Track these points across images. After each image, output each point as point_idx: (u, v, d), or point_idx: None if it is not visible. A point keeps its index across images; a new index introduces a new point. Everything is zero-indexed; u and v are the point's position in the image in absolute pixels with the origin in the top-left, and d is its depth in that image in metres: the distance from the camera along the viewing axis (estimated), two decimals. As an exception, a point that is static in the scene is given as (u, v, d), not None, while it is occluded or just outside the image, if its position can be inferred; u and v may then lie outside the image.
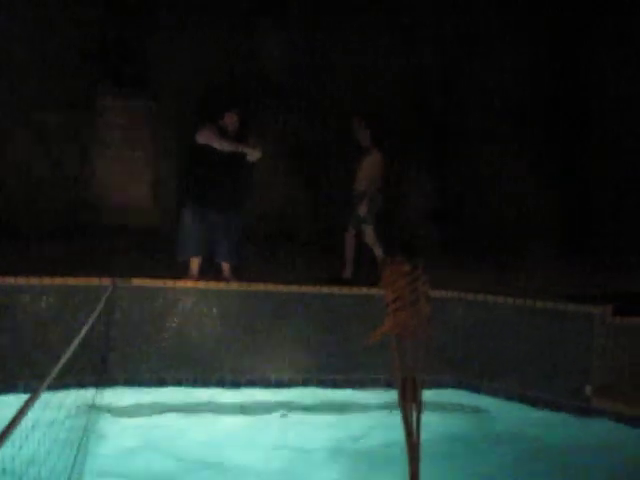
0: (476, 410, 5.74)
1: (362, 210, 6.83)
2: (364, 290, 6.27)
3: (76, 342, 3.91)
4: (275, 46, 7.75)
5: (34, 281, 5.53)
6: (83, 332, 4.22)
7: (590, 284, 6.81)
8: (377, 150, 6.89)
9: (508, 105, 8.09)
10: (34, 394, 2.86)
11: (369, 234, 6.92)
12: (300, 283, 6.28)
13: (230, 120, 6.30)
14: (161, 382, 5.82)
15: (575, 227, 8.21)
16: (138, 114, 7.39)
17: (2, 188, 6.74)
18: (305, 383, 6.10)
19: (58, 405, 3.86)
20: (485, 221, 8.16)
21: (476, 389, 6.08)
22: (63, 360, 3.53)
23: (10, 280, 5.47)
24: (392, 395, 5.36)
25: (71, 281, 5.64)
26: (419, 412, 3.01)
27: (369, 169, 6.88)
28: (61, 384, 4.90)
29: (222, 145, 6.13)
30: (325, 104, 7.72)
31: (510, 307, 6.05)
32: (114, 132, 7.36)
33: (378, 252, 6.86)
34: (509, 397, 5.94)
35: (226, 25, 7.25)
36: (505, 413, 5.66)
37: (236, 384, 5.95)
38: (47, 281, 5.57)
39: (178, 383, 5.85)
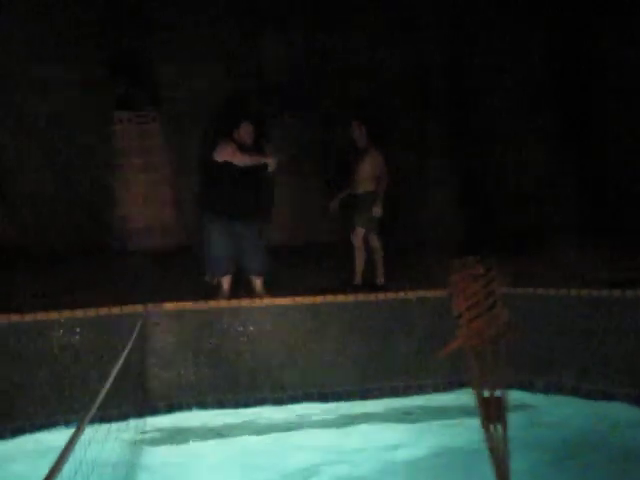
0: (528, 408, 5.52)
1: (377, 211, 6.61)
2: (401, 294, 6.12)
3: (114, 373, 3.81)
4: (280, 53, 7.65)
5: (66, 314, 5.44)
6: (120, 363, 4.12)
7: (621, 267, 6.55)
8: (375, 149, 6.72)
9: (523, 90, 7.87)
10: (77, 430, 2.74)
11: (375, 237, 6.71)
12: (333, 292, 6.15)
13: (246, 132, 6.20)
14: (202, 405, 5.70)
15: (595, 210, 7.94)
16: (153, 135, 7.30)
17: (19, 216, 6.68)
18: (349, 396, 5.94)
19: (101, 439, 3.74)
20: (504, 208, 7.91)
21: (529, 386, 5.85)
22: (103, 393, 3.42)
23: (42, 316, 5.39)
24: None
25: (104, 311, 5.54)
26: (506, 433, 2.73)
27: (371, 170, 6.68)
28: (102, 416, 4.87)
29: (243, 160, 6.04)
30: (333, 106, 7.58)
31: (553, 298, 5.84)
32: (131, 155, 7.28)
33: (379, 254, 6.69)
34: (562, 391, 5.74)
35: (233, 37, 7.18)
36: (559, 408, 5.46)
37: (279, 401, 5.81)
38: (80, 313, 5.48)
39: (220, 405, 5.72)
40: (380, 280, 6.66)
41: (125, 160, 7.30)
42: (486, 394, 2.77)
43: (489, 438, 2.72)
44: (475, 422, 2.91)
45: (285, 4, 7.68)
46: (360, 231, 6.66)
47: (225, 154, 6.04)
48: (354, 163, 6.75)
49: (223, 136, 6.20)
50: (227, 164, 6.04)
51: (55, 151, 6.68)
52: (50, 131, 6.71)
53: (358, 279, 6.69)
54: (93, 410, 3.13)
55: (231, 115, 6.44)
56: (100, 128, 7.02)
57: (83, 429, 2.78)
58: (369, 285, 6.55)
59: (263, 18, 7.63)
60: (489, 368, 2.78)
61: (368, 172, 6.69)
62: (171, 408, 5.64)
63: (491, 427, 2.73)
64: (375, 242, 6.70)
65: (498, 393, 2.75)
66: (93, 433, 3.38)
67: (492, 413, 2.73)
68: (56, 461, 2.27)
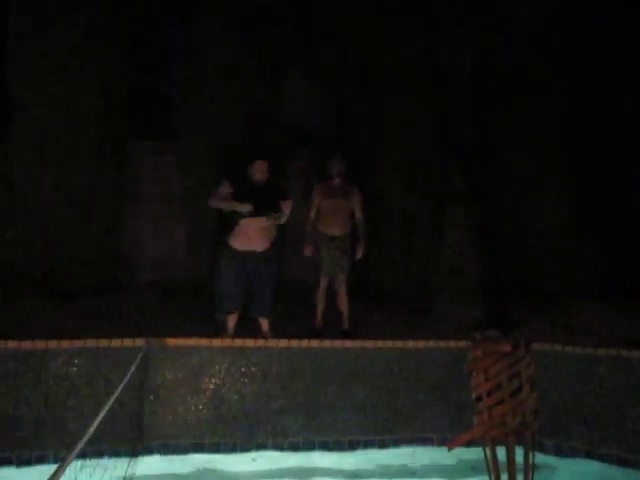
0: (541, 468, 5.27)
1: (360, 252, 6.34)
2: (410, 343, 5.95)
3: (106, 408, 3.65)
4: (304, 95, 7.63)
5: (65, 344, 5.29)
6: (114, 397, 3.96)
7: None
8: (354, 188, 6.45)
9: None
10: (61, 464, 2.59)
11: (343, 280, 6.39)
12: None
13: (259, 169, 6.12)
14: (199, 448, 5.49)
15: (614, 272, 7.73)
16: (169, 167, 7.24)
17: (29, 245, 6.60)
18: (352, 446, 5.72)
19: (90, 474, 3.56)
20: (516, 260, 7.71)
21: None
22: (93, 427, 3.26)
23: (41, 344, 5.24)
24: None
25: (103, 343, 5.39)
26: None
27: (348, 209, 6.39)
28: (94, 452, 4.68)
29: (213, 204, 6.04)
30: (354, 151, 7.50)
31: (569, 356, 5.63)
32: (145, 186, 7.21)
33: (346, 300, 6.39)
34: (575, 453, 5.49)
35: (255, 73, 7.16)
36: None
37: (279, 448, 5.60)
38: (79, 344, 5.33)
39: (216, 449, 5.51)
40: (345, 326, 6.36)
41: (138, 190, 7.23)
42: None
43: None
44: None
45: (308, 49, 7.69)
46: (325, 280, 6.37)
47: (212, 202, 6.05)
48: (329, 202, 6.39)
49: (229, 174, 6.14)
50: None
51: (69, 180, 6.61)
52: (64, 160, 6.65)
53: (319, 323, 6.40)
54: (81, 444, 2.97)
55: (247, 152, 6.34)
56: (115, 157, 6.96)
57: (67, 464, 2.62)
58: (344, 332, 6.27)
59: (285, 59, 7.61)
60: (512, 464, 2.48)
61: (346, 212, 6.41)
62: (165, 448, 5.43)
63: None
64: (344, 288, 6.40)
65: None
66: (81, 469, 3.21)
67: None
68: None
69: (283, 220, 6.16)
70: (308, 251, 6.40)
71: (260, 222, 5.96)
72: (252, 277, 6.01)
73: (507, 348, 2.45)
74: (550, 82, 7.64)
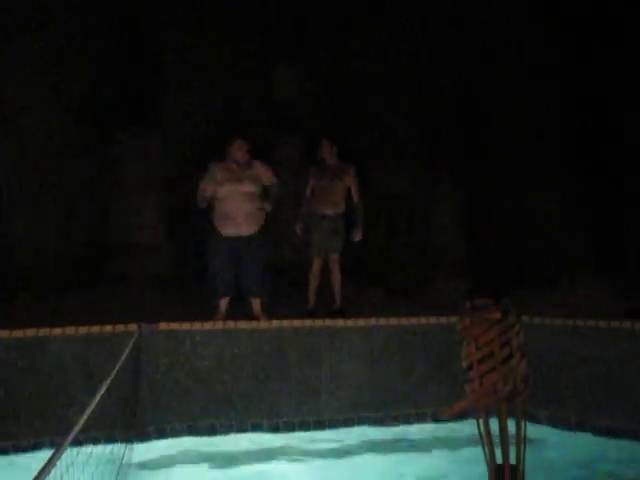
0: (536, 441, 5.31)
1: (358, 235, 6.40)
2: (402, 320, 5.97)
3: (100, 393, 3.64)
4: (292, 81, 7.57)
5: (57, 332, 5.28)
6: (107, 382, 3.95)
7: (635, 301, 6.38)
8: (349, 168, 6.47)
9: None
10: (57, 450, 2.58)
11: (336, 260, 6.41)
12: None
13: (238, 147, 6.09)
14: (194, 430, 5.50)
15: (610, 246, 7.76)
16: (153, 157, 7.18)
17: (17, 239, 6.58)
18: (347, 423, 5.75)
19: (85, 462, 3.55)
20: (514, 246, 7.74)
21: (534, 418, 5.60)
22: (87, 412, 3.25)
23: (32, 332, 5.22)
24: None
25: (95, 329, 5.37)
26: None
27: (343, 189, 6.42)
28: (89, 438, 4.67)
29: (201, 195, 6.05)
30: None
31: (566, 328, 5.67)
32: (129, 177, 7.16)
33: (339, 279, 6.42)
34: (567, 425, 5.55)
35: (241, 62, 7.09)
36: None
37: (274, 429, 5.62)
38: (70, 331, 5.31)
39: (212, 431, 5.53)
40: (337, 304, 6.40)
41: (125, 180, 7.18)
42: (499, 461, 2.46)
43: None
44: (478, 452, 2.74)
45: (297, 37, 7.61)
46: (319, 260, 6.39)
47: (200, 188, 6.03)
48: (322, 182, 6.44)
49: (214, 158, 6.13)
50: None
51: (52, 173, 6.56)
52: (47, 152, 6.59)
53: (312, 304, 6.43)
54: (76, 430, 2.96)
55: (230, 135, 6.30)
56: (99, 148, 6.90)
57: (63, 450, 2.62)
58: (335, 311, 6.29)
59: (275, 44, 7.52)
60: (505, 432, 2.46)
61: (340, 192, 6.45)
62: (161, 432, 5.44)
63: None
64: (337, 267, 6.41)
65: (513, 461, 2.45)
66: (77, 454, 3.20)
67: None
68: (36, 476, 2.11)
69: (274, 190, 6.17)
70: (299, 229, 6.42)
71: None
72: (242, 260, 6.00)
73: (497, 315, 2.43)
74: (546, 76, 7.63)
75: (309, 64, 7.69)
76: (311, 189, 6.51)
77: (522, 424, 2.49)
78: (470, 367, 2.48)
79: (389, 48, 7.57)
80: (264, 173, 6.17)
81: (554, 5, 7.54)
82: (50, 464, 2.38)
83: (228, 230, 6.02)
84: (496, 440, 2.56)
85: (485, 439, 2.53)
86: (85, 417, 3.18)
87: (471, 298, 2.63)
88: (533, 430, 5.30)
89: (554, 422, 5.65)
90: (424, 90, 7.70)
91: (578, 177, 7.55)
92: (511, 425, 2.51)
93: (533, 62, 7.58)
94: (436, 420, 5.83)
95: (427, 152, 7.74)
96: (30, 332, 5.21)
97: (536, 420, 5.54)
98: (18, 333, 5.17)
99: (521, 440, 2.49)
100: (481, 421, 2.52)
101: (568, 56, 7.57)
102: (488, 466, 2.51)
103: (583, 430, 5.49)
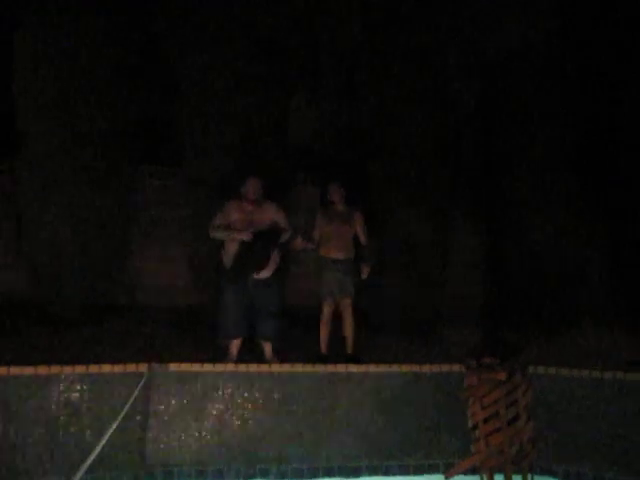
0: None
1: (366, 272, 6.31)
2: (415, 368, 5.90)
3: (108, 434, 3.63)
4: (310, 117, 7.64)
5: (67, 370, 5.27)
6: (116, 423, 3.94)
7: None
8: (357, 212, 6.49)
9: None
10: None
11: (349, 304, 6.32)
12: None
13: (251, 185, 6.11)
14: (202, 475, 5.43)
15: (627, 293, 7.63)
16: (174, 192, 7.25)
17: (32, 269, 6.64)
18: (357, 472, 5.65)
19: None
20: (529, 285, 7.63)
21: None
22: (94, 453, 3.24)
23: (43, 370, 5.22)
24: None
25: (106, 368, 5.36)
26: None
27: (351, 233, 6.41)
28: (96, 478, 4.64)
29: (214, 235, 6.08)
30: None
31: (581, 380, 5.55)
32: (150, 211, 7.22)
33: (352, 324, 6.31)
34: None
35: (259, 98, 7.16)
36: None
37: (282, 475, 5.53)
38: (81, 369, 5.30)
39: (220, 476, 5.46)
40: (351, 351, 6.27)
41: (144, 215, 7.23)
42: None
43: None
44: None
45: (315, 72, 7.70)
46: (331, 303, 6.33)
47: (212, 231, 6.07)
48: (332, 227, 6.40)
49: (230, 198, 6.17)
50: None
51: (73, 203, 6.63)
52: (70, 186, 6.68)
53: (324, 349, 6.31)
54: (82, 472, 2.95)
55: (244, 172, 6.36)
56: (121, 182, 6.97)
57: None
58: (349, 357, 6.18)
59: (292, 84, 7.61)
60: None
61: (349, 236, 6.43)
62: (169, 476, 5.38)
63: None
64: (349, 311, 6.32)
65: None
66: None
67: None
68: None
69: (285, 237, 6.18)
70: (301, 242, 6.38)
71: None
72: (254, 302, 5.98)
73: (502, 376, 2.38)
74: (559, 102, 7.65)
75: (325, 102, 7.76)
76: (319, 233, 6.49)
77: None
78: (475, 427, 2.42)
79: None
80: (275, 214, 6.18)
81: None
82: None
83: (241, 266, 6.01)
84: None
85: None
86: (93, 457, 3.17)
87: (477, 357, 2.57)
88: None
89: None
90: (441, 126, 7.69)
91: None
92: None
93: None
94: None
95: (445, 194, 7.69)
96: (42, 370, 5.20)
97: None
98: (29, 370, 5.16)
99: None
100: (485, 477, 2.44)
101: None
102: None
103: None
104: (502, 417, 2.34)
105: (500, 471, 2.37)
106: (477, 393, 2.38)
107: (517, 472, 2.42)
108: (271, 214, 6.16)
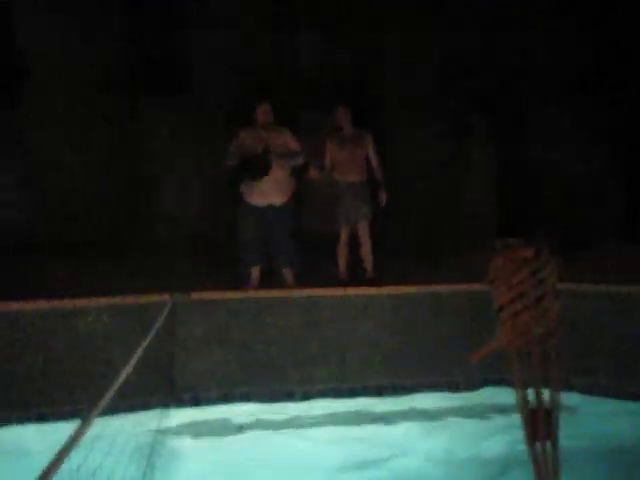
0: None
1: (384, 198, 6.31)
2: (434, 288, 5.94)
3: (133, 361, 3.69)
4: (316, 47, 7.45)
5: (92, 302, 5.37)
6: (140, 351, 4.00)
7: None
8: (367, 134, 6.42)
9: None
10: (87, 417, 2.62)
11: (365, 227, 6.36)
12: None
13: (262, 111, 6.13)
14: (229, 398, 5.58)
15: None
16: (184, 121, 7.16)
17: (48, 206, 6.66)
18: (380, 391, 5.78)
19: (120, 429, 3.63)
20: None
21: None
22: (119, 380, 3.30)
23: (68, 303, 5.32)
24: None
25: (129, 300, 5.45)
26: (556, 452, 2.37)
27: (363, 155, 6.37)
28: (125, 405, 4.78)
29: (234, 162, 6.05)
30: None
31: (598, 294, 5.59)
32: (162, 141, 7.16)
33: (369, 246, 6.35)
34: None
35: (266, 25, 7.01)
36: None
37: (307, 396, 5.67)
38: (104, 301, 5.40)
39: (246, 399, 5.60)
40: (370, 274, 6.34)
41: (158, 146, 7.18)
42: (533, 407, 2.38)
43: (533, 459, 2.37)
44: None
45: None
46: (347, 227, 6.35)
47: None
48: (344, 152, 6.37)
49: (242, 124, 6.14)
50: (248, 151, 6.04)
51: (82, 140, 6.61)
52: (76, 121, 6.64)
53: (343, 273, 6.39)
54: (107, 398, 3.01)
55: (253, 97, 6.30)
56: (131, 114, 6.92)
57: (93, 416, 2.66)
58: (369, 280, 6.25)
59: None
60: (538, 374, 2.38)
61: (362, 159, 6.39)
62: (196, 400, 5.54)
63: (538, 445, 2.37)
64: (367, 233, 6.35)
65: (547, 406, 2.37)
66: (112, 421, 3.27)
67: (540, 429, 2.36)
68: (63, 446, 2.15)
69: (298, 160, 6.17)
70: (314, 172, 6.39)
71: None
72: (271, 230, 6.01)
73: (529, 253, 2.36)
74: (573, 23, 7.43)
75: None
76: (330, 158, 6.44)
77: (558, 367, 2.41)
78: (500, 309, 2.41)
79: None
80: (288, 139, 6.14)
81: None
82: (82, 429, 2.42)
83: (257, 199, 6.03)
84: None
85: (516, 383, 2.47)
86: (118, 384, 3.24)
87: (503, 239, 2.54)
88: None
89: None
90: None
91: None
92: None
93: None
94: (468, 389, 5.82)
95: (458, 112, 7.57)
96: (67, 303, 5.30)
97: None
98: (55, 304, 5.26)
99: (558, 385, 2.43)
100: (513, 357, 2.44)
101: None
102: (521, 412, 2.46)
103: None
104: (528, 296, 2.30)
105: (525, 354, 2.37)
106: (503, 273, 2.35)
107: (545, 385, 2.41)
108: (285, 139, 6.13)
